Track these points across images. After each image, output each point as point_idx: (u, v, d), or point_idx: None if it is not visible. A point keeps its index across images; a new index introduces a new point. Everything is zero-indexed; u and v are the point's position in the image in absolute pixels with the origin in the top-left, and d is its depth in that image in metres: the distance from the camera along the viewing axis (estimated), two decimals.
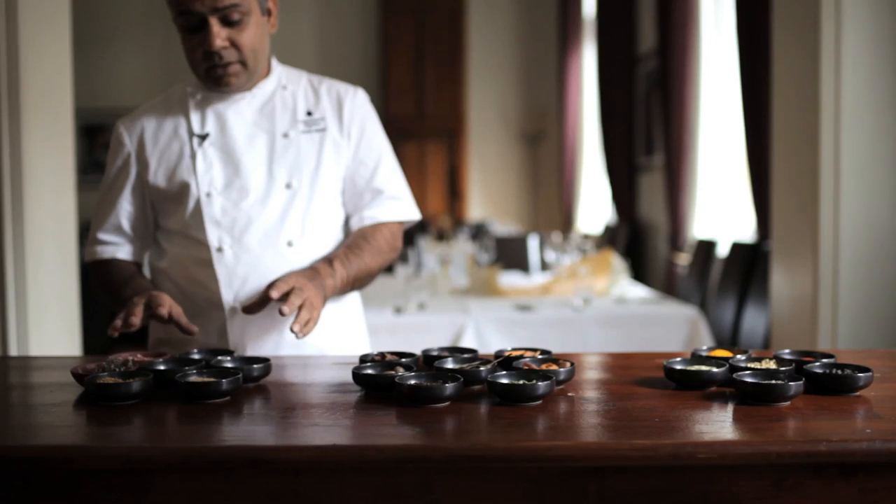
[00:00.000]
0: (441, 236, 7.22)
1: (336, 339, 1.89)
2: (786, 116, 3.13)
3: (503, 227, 8.06)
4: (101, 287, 1.88)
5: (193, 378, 1.31)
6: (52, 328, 2.75)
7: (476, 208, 9.60)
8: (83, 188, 3.85)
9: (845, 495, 1.06)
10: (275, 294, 1.61)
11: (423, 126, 9.19)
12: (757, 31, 4.15)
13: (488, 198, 9.67)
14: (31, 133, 2.62)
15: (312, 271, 1.73)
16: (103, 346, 4.94)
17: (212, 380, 1.29)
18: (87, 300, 3.11)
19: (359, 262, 1.82)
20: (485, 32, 9.47)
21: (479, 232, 7.33)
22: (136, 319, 1.56)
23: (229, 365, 1.43)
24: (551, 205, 9.53)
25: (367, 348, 1.99)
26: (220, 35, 1.70)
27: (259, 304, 1.65)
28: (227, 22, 1.70)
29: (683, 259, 5.53)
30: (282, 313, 1.57)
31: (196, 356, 1.50)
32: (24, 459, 1.06)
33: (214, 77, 1.76)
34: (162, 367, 1.40)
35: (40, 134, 2.68)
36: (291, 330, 1.56)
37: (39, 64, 2.67)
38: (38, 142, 2.66)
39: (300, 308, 1.60)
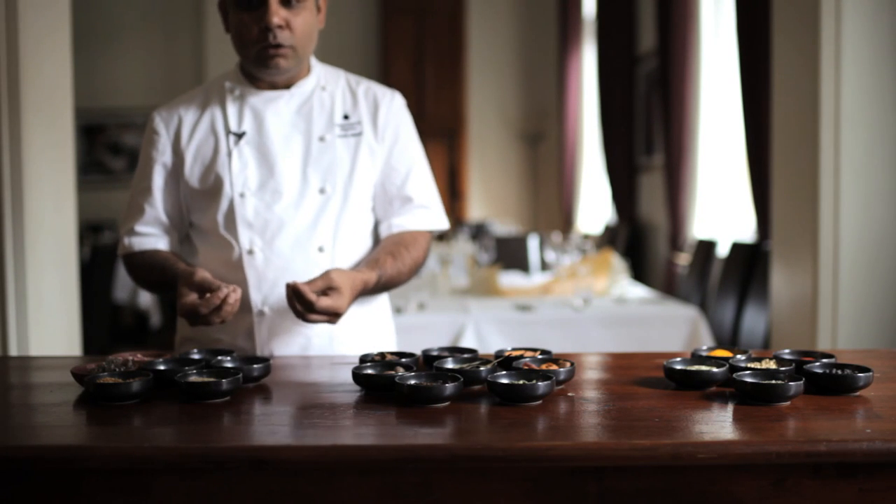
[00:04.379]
0: (441, 236, 7.21)
1: (361, 347, 1.86)
2: (786, 116, 3.12)
3: (503, 227, 8.06)
4: (143, 274, 1.85)
5: (193, 378, 1.31)
6: (52, 328, 2.75)
7: (476, 208, 9.59)
8: (83, 188, 3.86)
9: (845, 495, 1.06)
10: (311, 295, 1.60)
11: (423, 126, 9.05)
12: (757, 31, 4.15)
13: (488, 198, 9.67)
14: (31, 133, 2.62)
15: (361, 284, 1.71)
16: (103, 346, 4.95)
17: (212, 380, 1.29)
18: (87, 300, 3.11)
19: (397, 272, 1.81)
20: (485, 32, 9.46)
21: (479, 232, 7.33)
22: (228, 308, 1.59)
23: (229, 365, 1.43)
24: (551, 205, 9.52)
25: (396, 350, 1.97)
26: (278, 13, 1.71)
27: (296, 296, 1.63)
28: (286, 2, 1.73)
29: (683, 259, 5.53)
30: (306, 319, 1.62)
31: (196, 356, 1.50)
32: (24, 459, 1.06)
33: (265, 56, 1.75)
34: (162, 367, 1.40)
35: (40, 134, 2.67)
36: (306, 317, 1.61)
37: (40, 64, 2.67)
38: (38, 142, 2.66)
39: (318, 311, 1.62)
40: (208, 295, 1.58)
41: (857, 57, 2.81)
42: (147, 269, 1.83)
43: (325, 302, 1.59)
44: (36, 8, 2.65)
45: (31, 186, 2.62)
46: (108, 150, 9.06)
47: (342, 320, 1.80)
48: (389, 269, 1.78)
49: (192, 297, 1.59)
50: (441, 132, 9.28)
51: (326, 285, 1.61)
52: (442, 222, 1.95)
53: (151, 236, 1.86)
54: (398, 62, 9.18)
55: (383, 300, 1.96)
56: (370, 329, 1.90)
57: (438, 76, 9.20)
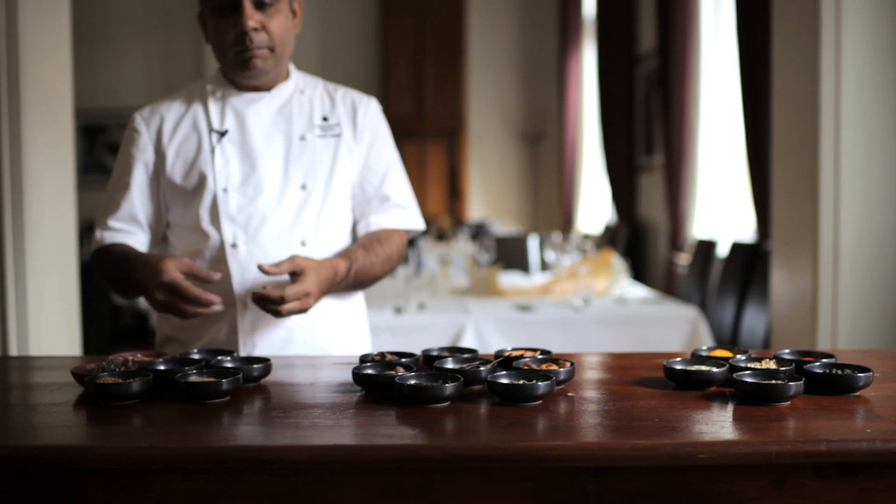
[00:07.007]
0: (441, 236, 7.22)
1: (341, 339, 1.92)
2: (786, 117, 3.12)
3: (503, 227, 8.06)
4: (108, 269, 1.84)
5: (193, 378, 1.31)
6: (52, 328, 2.75)
7: (476, 208, 9.60)
8: (83, 188, 3.85)
9: (845, 495, 1.06)
10: (278, 269, 1.66)
11: (423, 126, 9.19)
12: (757, 31, 4.15)
13: (488, 198, 9.67)
14: (31, 133, 2.62)
15: (331, 270, 1.75)
16: (103, 346, 4.94)
17: (212, 380, 1.28)
18: (87, 300, 3.11)
19: (370, 263, 1.85)
20: (485, 32, 9.46)
21: (479, 232, 7.34)
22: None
23: (229, 365, 1.43)
24: (551, 205, 9.52)
25: (370, 348, 2.01)
26: (252, 17, 1.75)
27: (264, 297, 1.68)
28: (260, 6, 1.77)
29: (683, 259, 5.53)
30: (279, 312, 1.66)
31: (196, 356, 1.50)
32: (24, 459, 1.06)
33: (242, 60, 1.79)
34: (162, 367, 1.40)
35: (40, 134, 2.67)
36: (275, 311, 1.66)
37: (39, 64, 2.67)
38: (38, 142, 2.66)
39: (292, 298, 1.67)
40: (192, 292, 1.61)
41: (857, 57, 2.81)
42: (114, 263, 1.81)
43: (292, 289, 1.65)
44: (35, 7, 2.65)
45: (31, 186, 2.62)
46: (108, 150, 9.05)
47: (321, 312, 1.85)
48: (361, 260, 1.82)
49: (178, 274, 1.63)
50: (441, 132, 9.28)
51: (291, 268, 1.67)
52: (418, 223, 1.99)
53: (123, 232, 1.87)
54: (398, 62, 9.18)
55: (359, 299, 2.01)
56: (349, 322, 1.95)
57: (438, 76, 9.20)
